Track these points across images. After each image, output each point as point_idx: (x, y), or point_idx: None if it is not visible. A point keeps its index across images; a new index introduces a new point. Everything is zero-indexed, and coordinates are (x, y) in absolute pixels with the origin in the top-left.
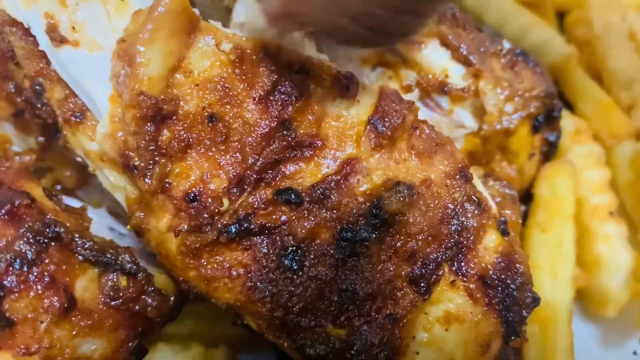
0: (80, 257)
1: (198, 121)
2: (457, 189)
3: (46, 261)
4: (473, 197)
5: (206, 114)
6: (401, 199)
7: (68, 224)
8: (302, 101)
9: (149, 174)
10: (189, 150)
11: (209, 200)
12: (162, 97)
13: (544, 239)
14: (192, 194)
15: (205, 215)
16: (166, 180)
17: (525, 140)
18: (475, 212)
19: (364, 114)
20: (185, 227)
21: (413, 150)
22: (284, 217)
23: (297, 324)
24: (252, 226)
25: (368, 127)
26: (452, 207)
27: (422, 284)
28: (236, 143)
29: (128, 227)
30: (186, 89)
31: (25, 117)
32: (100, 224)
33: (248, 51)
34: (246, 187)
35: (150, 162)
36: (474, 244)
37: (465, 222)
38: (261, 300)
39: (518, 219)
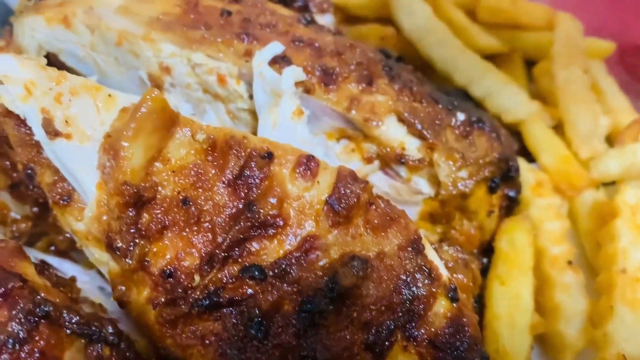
0: (68, 330)
1: (173, 204)
2: (409, 260)
3: (36, 338)
4: (424, 267)
5: (181, 197)
6: (355, 273)
7: (57, 300)
8: (265, 184)
9: (129, 254)
10: (165, 231)
11: (183, 276)
12: (142, 184)
13: (503, 291)
14: (168, 271)
15: (180, 290)
16: (145, 258)
17: (483, 200)
18: (426, 281)
19: (323, 194)
20: (162, 300)
21: (368, 225)
22: (250, 291)
23: None
24: (221, 299)
25: (326, 207)
26: (404, 277)
27: (377, 349)
28: (207, 223)
29: (112, 299)
30: (164, 176)
31: (21, 190)
32: (91, 285)
33: (219, 139)
34: (215, 263)
35: (131, 243)
36: (424, 311)
37: (416, 292)
38: None
39: (469, 282)
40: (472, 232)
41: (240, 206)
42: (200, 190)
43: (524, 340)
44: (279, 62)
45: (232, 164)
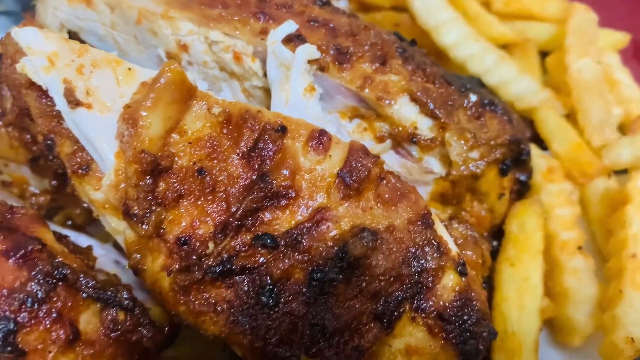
0: (84, 294)
1: (189, 174)
2: (418, 234)
3: (54, 299)
4: (433, 241)
5: (196, 167)
6: (365, 243)
7: (74, 265)
8: (279, 156)
9: (146, 220)
10: (181, 200)
11: (197, 243)
12: (159, 154)
13: (512, 273)
14: (183, 238)
15: (194, 257)
16: (161, 226)
17: (494, 182)
18: (435, 255)
19: (335, 168)
20: (177, 266)
21: (379, 199)
22: (262, 259)
23: (275, 354)
24: (234, 267)
25: (337, 180)
26: (413, 250)
27: (385, 320)
28: (222, 193)
29: (127, 267)
30: (180, 147)
31: (40, 163)
32: (107, 258)
33: (234, 113)
34: (229, 232)
35: (148, 210)
36: (433, 283)
37: (424, 264)
38: (242, 333)
39: (479, 259)
40: (482, 214)
41: (254, 177)
42: (215, 161)
43: (533, 322)
44: (294, 40)
45: (247, 136)
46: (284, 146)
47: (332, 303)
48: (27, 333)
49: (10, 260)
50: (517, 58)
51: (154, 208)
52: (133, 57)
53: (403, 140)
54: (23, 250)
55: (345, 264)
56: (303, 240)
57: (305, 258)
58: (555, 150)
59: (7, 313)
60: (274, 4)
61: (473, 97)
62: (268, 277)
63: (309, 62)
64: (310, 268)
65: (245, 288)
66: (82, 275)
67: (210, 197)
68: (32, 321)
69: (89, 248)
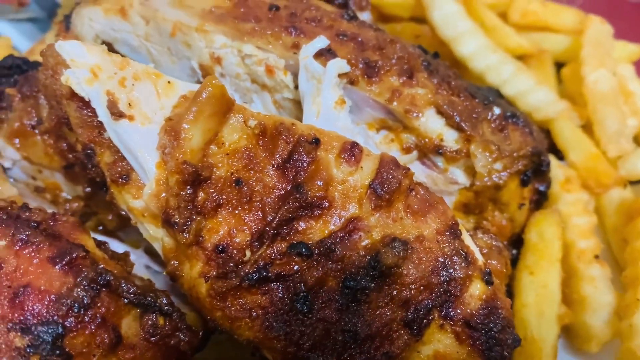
0: (125, 300)
1: (227, 184)
2: (447, 244)
3: (98, 304)
4: (461, 251)
5: (234, 178)
6: (396, 253)
7: (115, 271)
8: (312, 168)
9: (186, 229)
10: (219, 209)
11: (234, 251)
12: (199, 165)
13: (531, 280)
14: (221, 246)
15: (231, 264)
16: (200, 234)
17: (515, 193)
18: (463, 264)
19: (366, 179)
20: (214, 273)
21: (409, 209)
22: (296, 267)
23: (307, 359)
24: (270, 274)
25: (369, 191)
26: (442, 260)
27: (415, 327)
28: (258, 203)
29: (165, 272)
30: (219, 158)
31: (75, 170)
32: (138, 263)
33: (269, 126)
34: (265, 240)
35: (188, 219)
36: (461, 292)
37: (453, 273)
38: (276, 338)
39: (503, 268)
40: (503, 224)
41: (289, 188)
42: (251, 172)
43: (552, 329)
44: (325, 54)
45: (281, 148)
46: (318, 158)
47: (363, 310)
48: (73, 337)
49: (57, 267)
50: (532, 69)
51: (194, 217)
52: (166, 68)
53: (429, 151)
54: (68, 257)
55: (377, 272)
56: (336, 249)
57: (339, 266)
58: (572, 160)
59: (56, 318)
60: (304, 18)
61: (497, 110)
62: (302, 285)
63: (339, 75)
64: (343, 276)
65: (280, 295)
66: (123, 281)
67: (247, 206)
68: (79, 326)
69: (126, 254)
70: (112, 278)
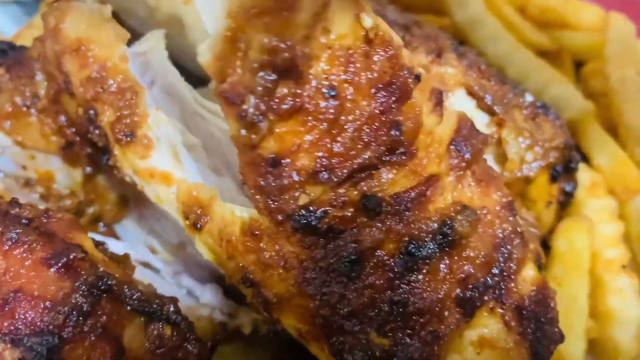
0: (128, 307)
1: (317, 89)
2: (507, 220)
3: (99, 312)
4: (518, 229)
5: (327, 84)
6: (470, 222)
7: (117, 275)
8: (409, 106)
9: (256, 124)
10: (295, 115)
11: (288, 175)
12: (303, 49)
13: (559, 292)
14: (278, 159)
15: (284, 183)
16: (264, 132)
17: (544, 189)
18: (520, 244)
19: (447, 135)
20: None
21: (477, 178)
22: (354, 223)
23: (341, 326)
24: (320, 225)
25: (451, 148)
26: (501, 236)
27: (468, 307)
28: (346, 126)
29: (185, 222)
30: (318, 49)
31: (74, 149)
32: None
33: (382, 36)
34: (334, 178)
35: (261, 114)
36: (515, 274)
37: (511, 252)
38: (311, 297)
39: (543, 256)
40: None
41: (384, 120)
42: (347, 84)
43: (579, 344)
44: None
45: (385, 70)
46: (414, 97)
47: (419, 281)
48: (71, 349)
49: (52, 270)
50: (552, 67)
51: (269, 115)
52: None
53: None
54: (65, 259)
55: (445, 241)
56: (406, 209)
57: (403, 230)
58: (597, 164)
59: (51, 327)
60: None
61: (529, 97)
62: (356, 246)
63: None
64: (406, 240)
65: (326, 251)
66: (125, 286)
67: (330, 126)
68: (77, 337)
69: (127, 256)
70: (113, 282)
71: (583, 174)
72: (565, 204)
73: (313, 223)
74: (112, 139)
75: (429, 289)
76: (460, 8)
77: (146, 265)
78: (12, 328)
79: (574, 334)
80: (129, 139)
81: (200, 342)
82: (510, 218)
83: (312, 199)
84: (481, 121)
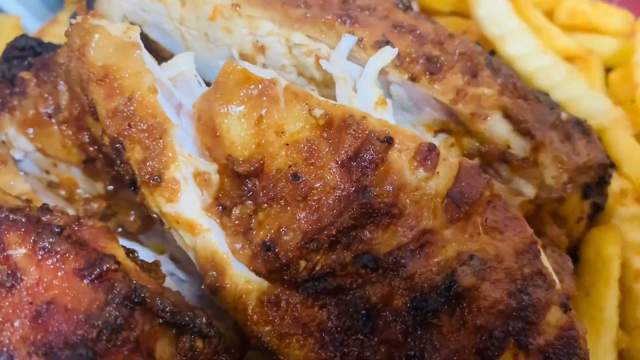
0: (160, 319)
1: (283, 178)
2: (527, 264)
3: (132, 326)
4: (540, 273)
5: (291, 172)
6: (475, 273)
7: (149, 286)
8: (382, 170)
9: (235, 213)
10: (271, 203)
11: (282, 252)
12: (246, 158)
13: (588, 302)
14: (269, 243)
15: (277, 265)
16: (250, 224)
17: (576, 206)
18: (542, 288)
19: (443, 187)
20: (266, 269)
21: (487, 224)
22: (359, 280)
23: None
24: (329, 286)
25: (446, 200)
26: (520, 282)
27: (488, 356)
28: (315, 203)
29: (203, 286)
30: (276, 147)
31: (96, 165)
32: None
33: (337, 117)
34: (321, 246)
35: (237, 202)
36: (539, 319)
37: (532, 298)
38: (331, 359)
39: (574, 290)
40: (561, 239)
41: (352, 190)
42: (311, 167)
43: (609, 356)
44: (382, 47)
45: (348, 144)
46: (389, 159)
47: (433, 334)
48: None
49: (85, 281)
50: (580, 72)
51: (244, 201)
52: (201, 56)
53: (493, 159)
54: (98, 270)
55: (451, 294)
56: (406, 264)
57: (408, 284)
58: (626, 173)
59: (85, 341)
60: (357, 5)
61: (564, 116)
62: (365, 301)
63: (397, 68)
64: (412, 295)
65: (339, 310)
66: (158, 299)
67: (302, 204)
68: (111, 351)
69: (157, 264)
70: (146, 295)
71: (613, 182)
72: (595, 215)
73: (322, 285)
74: (139, 179)
75: (443, 341)
76: (487, 12)
77: (171, 274)
78: (45, 341)
79: (603, 344)
80: (155, 182)
81: (230, 354)
82: (530, 262)
83: (314, 266)
84: (518, 144)
